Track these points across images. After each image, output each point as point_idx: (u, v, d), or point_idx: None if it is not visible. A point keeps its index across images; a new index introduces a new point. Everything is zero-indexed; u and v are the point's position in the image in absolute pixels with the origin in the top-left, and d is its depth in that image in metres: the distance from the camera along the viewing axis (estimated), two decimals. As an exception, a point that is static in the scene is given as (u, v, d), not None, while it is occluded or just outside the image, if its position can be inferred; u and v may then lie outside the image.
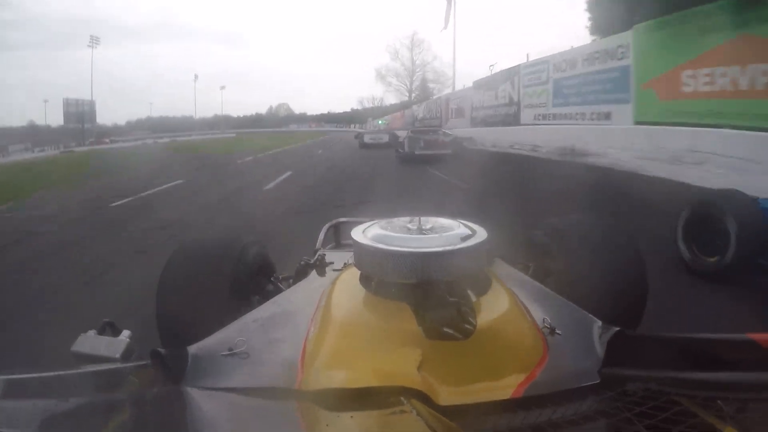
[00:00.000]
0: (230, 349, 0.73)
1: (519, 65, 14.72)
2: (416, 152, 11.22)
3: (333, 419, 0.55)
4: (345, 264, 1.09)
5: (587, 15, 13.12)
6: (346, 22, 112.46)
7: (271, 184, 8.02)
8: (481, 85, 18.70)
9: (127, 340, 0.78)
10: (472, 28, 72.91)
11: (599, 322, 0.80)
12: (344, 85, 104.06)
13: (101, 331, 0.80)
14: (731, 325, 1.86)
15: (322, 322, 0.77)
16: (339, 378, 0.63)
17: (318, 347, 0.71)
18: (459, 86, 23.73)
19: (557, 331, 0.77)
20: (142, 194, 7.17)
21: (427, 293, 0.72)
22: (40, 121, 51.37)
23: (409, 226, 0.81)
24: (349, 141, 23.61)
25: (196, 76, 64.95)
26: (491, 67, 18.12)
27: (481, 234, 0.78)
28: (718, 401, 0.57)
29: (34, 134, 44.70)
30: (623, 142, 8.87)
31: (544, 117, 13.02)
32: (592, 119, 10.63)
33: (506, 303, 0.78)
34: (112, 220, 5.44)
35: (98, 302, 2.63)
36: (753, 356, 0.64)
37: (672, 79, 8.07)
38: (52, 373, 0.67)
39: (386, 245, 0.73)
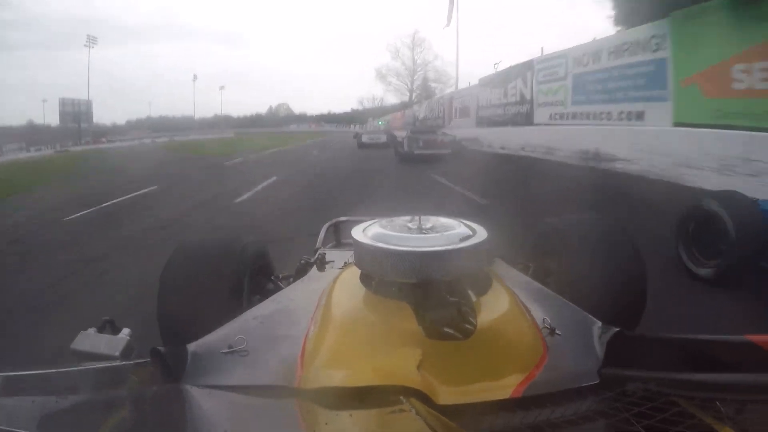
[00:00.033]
0: (230, 347, 0.74)
1: (532, 60, 13.00)
2: (415, 152, 11.21)
3: (332, 418, 0.55)
4: (345, 263, 1.09)
5: (610, 4, 11.79)
6: (347, 21, 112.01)
7: (246, 195, 6.91)
8: (488, 82, 16.97)
9: (127, 338, 0.79)
10: (474, 27, 71.82)
11: (599, 323, 0.81)
12: (344, 85, 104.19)
13: (101, 329, 0.81)
14: (730, 328, 1.71)
15: (322, 321, 0.77)
16: (339, 377, 0.64)
17: (318, 346, 0.71)
18: (462, 86, 22.28)
19: (557, 332, 0.77)
20: (105, 204, 6.44)
21: (427, 293, 0.72)
22: (39, 120, 50.96)
23: (410, 225, 0.81)
24: (347, 141, 23.18)
25: (195, 76, 64.33)
26: (496, 66, 16.53)
27: (482, 233, 0.78)
28: (717, 402, 0.58)
29: (33, 134, 44.62)
30: (659, 146, 7.57)
31: (562, 116, 11.43)
32: (621, 119, 9.30)
33: (506, 303, 0.78)
34: (46, 244, 4.50)
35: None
36: (751, 358, 0.64)
37: (720, 74, 6.81)
38: (51, 371, 0.67)
39: (386, 244, 0.73)
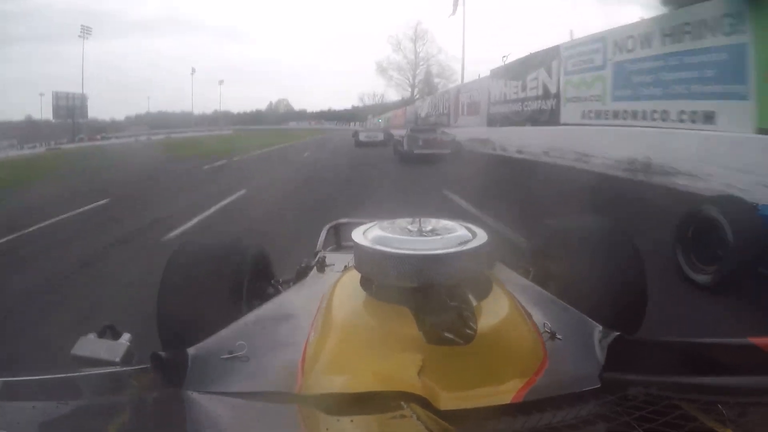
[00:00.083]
0: (230, 352, 0.74)
1: (559, 45, 10.82)
2: (415, 151, 11.09)
3: (333, 423, 0.55)
4: (345, 266, 1.09)
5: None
6: (348, 16, 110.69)
7: (187, 225, 5.04)
8: (502, 72, 14.53)
9: (128, 343, 0.79)
10: (480, 20, 69.18)
11: (599, 327, 0.81)
12: (345, 81, 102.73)
13: (101, 335, 0.81)
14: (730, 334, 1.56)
15: (323, 326, 0.77)
16: (339, 382, 0.64)
17: (318, 351, 0.71)
18: (468, 80, 20.29)
19: (558, 336, 0.77)
20: (31, 228, 5.12)
21: (427, 297, 0.72)
22: (39, 115, 49.65)
23: (410, 227, 0.80)
24: (345, 140, 22.26)
25: (193, 70, 63.15)
26: (505, 59, 14.57)
27: (482, 237, 0.78)
28: (719, 405, 0.57)
29: (31, 129, 43.69)
30: (736, 157, 5.73)
31: (599, 114, 9.30)
32: (682, 120, 7.35)
33: (507, 307, 0.78)
34: None
35: None
36: (754, 360, 0.64)
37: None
38: (51, 376, 0.67)
39: (387, 247, 0.73)
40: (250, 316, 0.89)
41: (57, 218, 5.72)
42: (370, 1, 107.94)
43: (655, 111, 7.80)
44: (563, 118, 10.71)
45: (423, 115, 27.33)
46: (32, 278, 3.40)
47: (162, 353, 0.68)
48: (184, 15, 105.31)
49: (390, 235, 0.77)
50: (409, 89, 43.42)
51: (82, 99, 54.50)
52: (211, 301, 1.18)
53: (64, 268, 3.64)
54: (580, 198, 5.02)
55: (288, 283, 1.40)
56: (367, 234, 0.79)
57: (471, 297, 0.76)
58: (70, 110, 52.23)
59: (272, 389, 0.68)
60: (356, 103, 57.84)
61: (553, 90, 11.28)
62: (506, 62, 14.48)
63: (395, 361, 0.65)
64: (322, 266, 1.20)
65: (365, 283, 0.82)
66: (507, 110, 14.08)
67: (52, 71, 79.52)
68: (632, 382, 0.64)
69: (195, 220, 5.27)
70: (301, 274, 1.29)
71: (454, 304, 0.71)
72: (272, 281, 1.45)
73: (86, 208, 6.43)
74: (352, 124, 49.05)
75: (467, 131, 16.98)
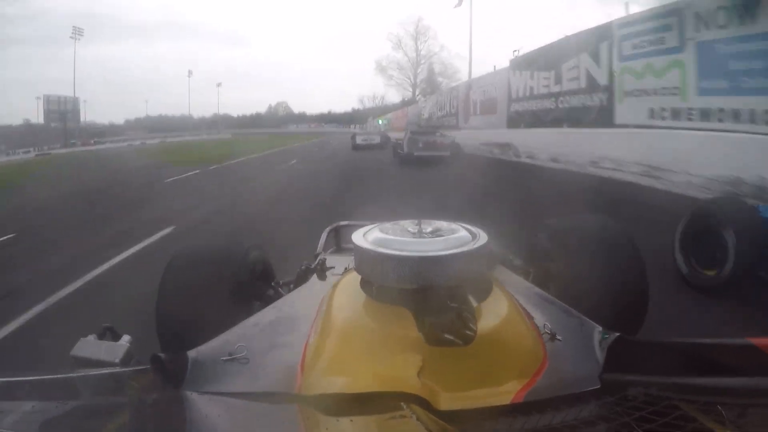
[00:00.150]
0: (230, 354, 0.74)
1: (611, 22, 8.22)
2: (415, 153, 11.26)
3: (332, 424, 0.55)
4: (345, 269, 1.08)
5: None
6: (348, 18, 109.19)
7: (80, 280, 3.29)
8: (527, 62, 11.67)
9: (127, 344, 0.78)
10: (483, 17, 66.59)
11: (599, 328, 0.80)
12: (345, 84, 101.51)
13: (101, 336, 0.81)
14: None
15: (323, 328, 0.77)
16: (339, 383, 0.63)
17: (318, 352, 0.71)
18: (476, 76, 17.99)
19: (558, 337, 0.77)
20: None
21: (427, 298, 0.71)
22: (37, 119, 49.20)
23: (411, 229, 0.80)
24: (342, 145, 21.73)
25: (190, 72, 61.85)
26: (516, 53, 12.60)
27: (483, 238, 0.77)
28: (718, 406, 0.57)
29: (28, 134, 43.18)
30: None
31: (676, 114, 6.81)
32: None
33: (507, 309, 0.78)
34: None
35: None
36: (754, 361, 0.63)
37: None
38: (51, 377, 0.67)
39: (387, 249, 0.72)
40: (251, 319, 0.90)
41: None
42: (371, 3, 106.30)
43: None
44: (619, 118, 8.07)
45: (427, 115, 25.04)
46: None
47: (162, 355, 0.68)
48: (183, 18, 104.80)
49: (390, 237, 0.76)
50: (411, 89, 41.73)
51: (75, 103, 53.46)
52: (211, 302, 1.17)
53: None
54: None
55: (288, 285, 1.41)
56: (367, 236, 0.79)
57: (471, 298, 0.76)
58: (62, 114, 51.34)
59: (272, 390, 0.68)
60: (356, 105, 57.14)
61: (602, 81, 8.61)
62: (517, 56, 12.30)
63: (395, 362, 0.65)
64: (322, 268, 1.20)
65: (365, 285, 0.82)
66: (534, 108, 11.26)
67: (52, 75, 78.94)
68: (632, 383, 0.64)
69: (102, 269, 3.44)
70: (302, 277, 1.27)
71: (454, 305, 0.70)
72: (272, 283, 1.44)
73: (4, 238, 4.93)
74: (352, 126, 48.34)
75: (481, 134, 14.55)
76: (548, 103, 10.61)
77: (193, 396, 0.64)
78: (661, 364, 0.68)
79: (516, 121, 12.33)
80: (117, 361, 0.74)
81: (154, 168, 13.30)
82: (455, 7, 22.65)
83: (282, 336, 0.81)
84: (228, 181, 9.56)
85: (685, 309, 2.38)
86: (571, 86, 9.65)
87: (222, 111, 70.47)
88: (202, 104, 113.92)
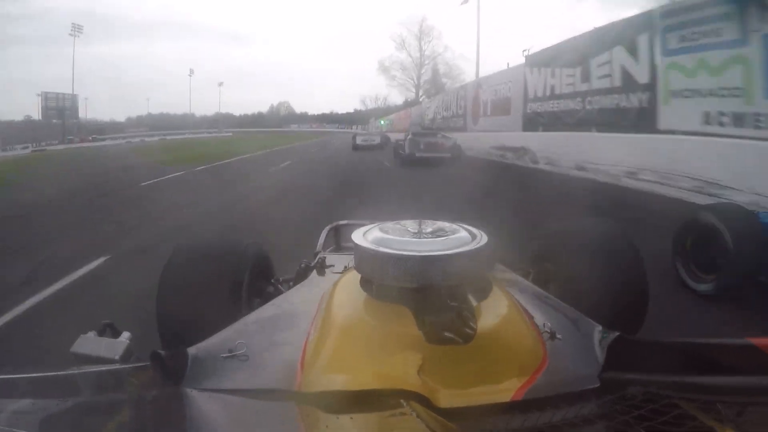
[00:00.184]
0: (230, 351, 0.73)
1: (652, 11, 7.05)
2: (417, 154, 11.22)
3: (333, 421, 0.55)
4: (345, 267, 1.08)
5: None
6: (351, 18, 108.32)
7: None
8: (547, 58, 10.50)
9: (127, 341, 0.78)
10: (486, 17, 65.23)
11: (599, 327, 0.80)
12: (347, 84, 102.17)
13: (101, 333, 0.80)
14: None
15: (323, 326, 0.76)
16: (339, 380, 0.63)
17: (318, 350, 0.71)
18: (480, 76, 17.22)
19: (557, 336, 0.76)
20: None
21: (427, 297, 0.71)
22: (37, 116, 48.72)
23: (410, 229, 0.79)
24: (342, 146, 21.35)
25: (191, 71, 61.47)
26: (525, 52, 11.84)
27: (482, 238, 0.77)
28: (718, 405, 0.57)
29: (30, 129, 42.67)
30: None
31: (738, 120, 5.70)
32: None
33: (506, 307, 0.77)
34: None
35: None
36: (753, 360, 0.63)
37: None
38: (51, 374, 0.67)
39: (387, 248, 0.72)
40: (251, 317, 0.89)
41: None
42: (374, 4, 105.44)
43: None
44: (664, 122, 6.90)
45: (431, 116, 23.94)
46: None
47: (161, 352, 0.67)
48: (188, 18, 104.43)
49: (390, 236, 0.76)
50: (414, 90, 40.88)
51: (73, 100, 53.33)
52: (211, 299, 1.16)
53: None
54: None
55: (288, 282, 1.40)
56: (367, 235, 0.78)
57: (471, 297, 0.76)
58: (59, 111, 51.20)
59: (272, 387, 0.67)
60: (358, 106, 56.78)
61: (641, 79, 7.37)
62: (528, 54, 11.42)
63: (395, 359, 0.64)
64: (322, 267, 1.19)
65: (365, 283, 0.81)
66: (555, 108, 10.15)
67: (55, 72, 78.97)
68: (631, 382, 0.64)
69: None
70: (301, 275, 1.27)
71: (453, 304, 0.70)
72: (272, 280, 1.43)
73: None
74: (353, 127, 47.71)
75: (492, 137, 13.38)
76: (573, 104, 9.44)
77: (192, 393, 0.65)
78: (660, 364, 0.68)
79: (533, 123, 11.25)
80: (117, 358, 0.74)
81: (138, 168, 12.30)
82: (462, 3, 21.55)
83: (282, 333, 0.81)
84: (203, 188, 8.27)
85: (685, 309, 2.38)
86: (601, 84, 8.43)
87: (225, 110, 70.40)
88: (205, 103, 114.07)
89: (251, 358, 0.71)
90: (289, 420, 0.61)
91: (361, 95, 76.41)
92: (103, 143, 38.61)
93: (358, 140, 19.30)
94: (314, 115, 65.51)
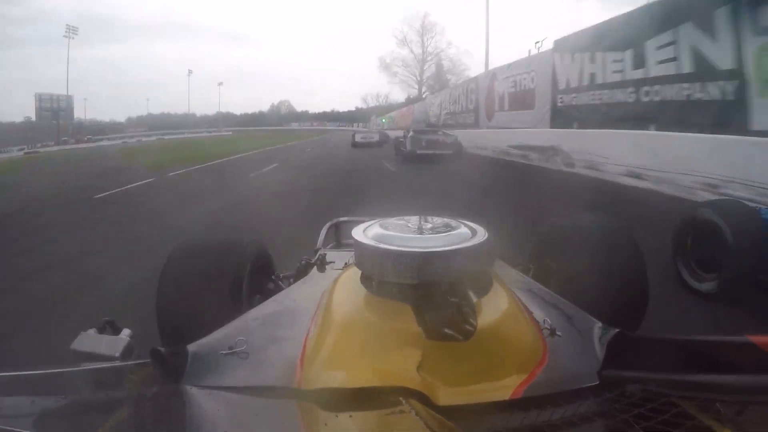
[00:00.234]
0: (230, 348, 0.74)
1: None
2: (418, 151, 11.28)
3: (332, 419, 0.55)
4: (346, 264, 1.09)
5: None
6: (352, 16, 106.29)
7: None
8: (584, 41, 8.74)
9: (127, 338, 0.78)
10: (493, 12, 63.11)
11: (599, 324, 0.80)
12: (349, 83, 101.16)
13: (101, 330, 0.80)
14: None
15: (323, 322, 0.77)
16: (338, 378, 0.63)
17: (318, 347, 0.71)
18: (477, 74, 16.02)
19: (557, 333, 0.77)
20: None
21: (427, 293, 0.72)
22: (34, 117, 48.64)
23: (411, 225, 0.80)
24: (341, 144, 21.22)
25: (190, 71, 60.50)
26: (538, 45, 11.13)
27: (483, 234, 0.77)
28: (717, 404, 0.57)
29: (29, 131, 42.57)
30: None
31: None
32: None
33: (507, 304, 0.78)
34: None
35: None
36: (752, 359, 0.63)
37: None
38: (51, 371, 0.67)
39: (387, 244, 0.72)
40: (251, 313, 0.90)
41: None
42: (375, 3, 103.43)
43: None
44: (759, 121, 5.24)
45: (436, 112, 22.28)
46: None
47: (161, 349, 0.68)
48: (187, 18, 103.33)
49: (390, 232, 0.76)
50: (416, 86, 39.39)
51: (68, 100, 52.75)
52: (211, 296, 1.17)
53: None
54: None
55: (288, 279, 1.42)
56: (367, 232, 0.78)
57: (471, 293, 0.76)
58: (54, 112, 50.49)
59: (271, 384, 0.68)
60: (359, 104, 56.91)
61: (723, 65, 5.67)
62: (540, 48, 10.45)
63: (395, 356, 0.65)
64: (322, 264, 1.20)
65: (365, 280, 0.82)
66: (595, 101, 8.38)
67: (54, 73, 78.38)
68: (630, 380, 0.64)
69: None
70: (302, 272, 1.29)
71: (454, 300, 0.71)
72: (272, 276, 1.44)
73: None
74: (354, 125, 47.40)
75: (511, 135, 11.79)
76: (621, 95, 7.57)
77: (192, 390, 0.65)
78: (660, 361, 0.68)
79: (565, 118, 9.53)
80: (117, 355, 0.75)
81: (113, 173, 10.96)
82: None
83: (282, 330, 0.81)
84: (166, 200, 6.81)
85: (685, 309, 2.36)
86: (663, 70, 6.59)
87: (225, 109, 69.59)
88: (206, 103, 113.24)
89: (251, 355, 0.72)
90: (288, 417, 0.63)
91: (362, 93, 75.42)
92: (98, 144, 37.98)
93: (357, 138, 19.68)
94: (315, 114, 65.46)
